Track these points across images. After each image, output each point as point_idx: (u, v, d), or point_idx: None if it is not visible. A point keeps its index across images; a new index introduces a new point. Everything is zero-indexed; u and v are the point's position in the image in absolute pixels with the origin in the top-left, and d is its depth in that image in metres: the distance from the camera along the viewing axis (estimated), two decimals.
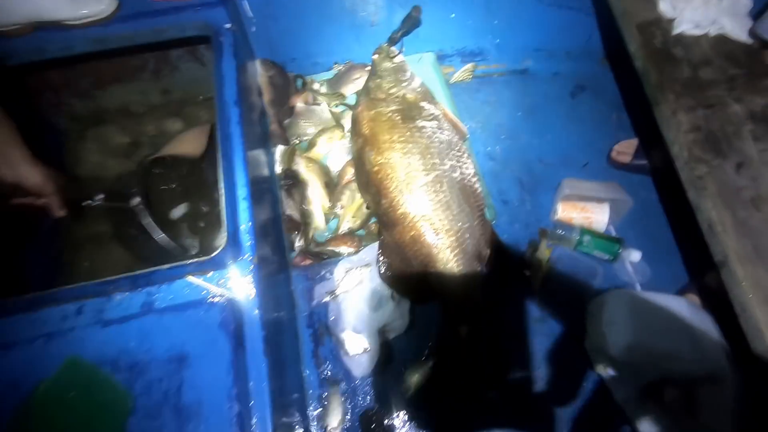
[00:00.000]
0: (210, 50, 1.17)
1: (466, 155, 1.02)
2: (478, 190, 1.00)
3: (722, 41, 0.82)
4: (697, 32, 0.82)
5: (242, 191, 0.79)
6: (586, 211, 1.06)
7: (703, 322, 0.80)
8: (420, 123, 1.01)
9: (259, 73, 1.16)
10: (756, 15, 0.83)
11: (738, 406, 0.73)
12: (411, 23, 1.13)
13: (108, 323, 0.65)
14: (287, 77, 1.23)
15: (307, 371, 0.98)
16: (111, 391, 0.60)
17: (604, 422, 0.87)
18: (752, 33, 0.80)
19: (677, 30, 0.83)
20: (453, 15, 1.23)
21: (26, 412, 0.58)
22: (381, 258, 0.99)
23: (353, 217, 1.09)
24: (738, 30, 0.81)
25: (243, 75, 0.97)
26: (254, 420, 0.61)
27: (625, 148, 1.18)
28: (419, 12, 1.12)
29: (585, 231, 1.05)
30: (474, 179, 1.00)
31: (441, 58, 1.33)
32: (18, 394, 0.59)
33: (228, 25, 0.98)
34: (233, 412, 0.60)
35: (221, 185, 0.78)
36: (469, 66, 1.34)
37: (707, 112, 0.75)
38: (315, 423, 0.93)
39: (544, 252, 1.05)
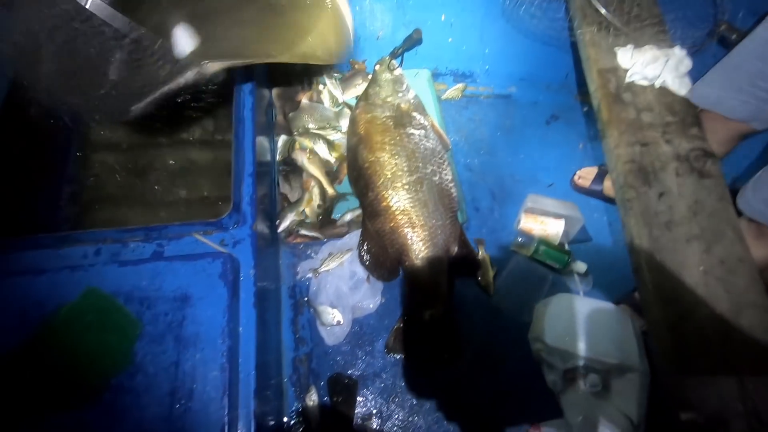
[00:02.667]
0: None
1: (446, 163, 1.16)
2: (453, 195, 1.14)
3: (664, 93, 0.98)
4: (645, 83, 0.99)
5: (249, 168, 0.91)
6: (544, 224, 1.21)
7: (624, 325, 0.95)
8: (409, 130, 1.15)
9: None
10: (695, 77, 1.00)
11: (643, 393, 0.88)
12: (412, 42, 1.28)
13: (124, 264, 0.77)
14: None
15: (285, 335, 1.10)
16: (123, 317, 0.71)
17: (536, 398, 1.01)
18: (687, 96, 0.97)
19: (629, 79, 0.99)
20: (450, 39, 1.39)
21: (50, 327, 0.69)
22: (362, 244, 1.12)
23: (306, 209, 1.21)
24: (677, 86, 0.97)
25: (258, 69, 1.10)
26: (241, 353, 0.73)
27: (586, 174, 1.34)
28: (420, 34, 1.27)
29: (541, 241, 1.20)
30: (451, 184, 1.14)
31: (436, 76, 1.49)
32: (44, 311, 0.70)
33: None
34: (225, 346, 0.71)
35: (232, 161, 0.90)
36: (460, 86, 1.49)
37: (643, 149, 0.90)
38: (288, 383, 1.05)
39: (486, 258, 1.20)
